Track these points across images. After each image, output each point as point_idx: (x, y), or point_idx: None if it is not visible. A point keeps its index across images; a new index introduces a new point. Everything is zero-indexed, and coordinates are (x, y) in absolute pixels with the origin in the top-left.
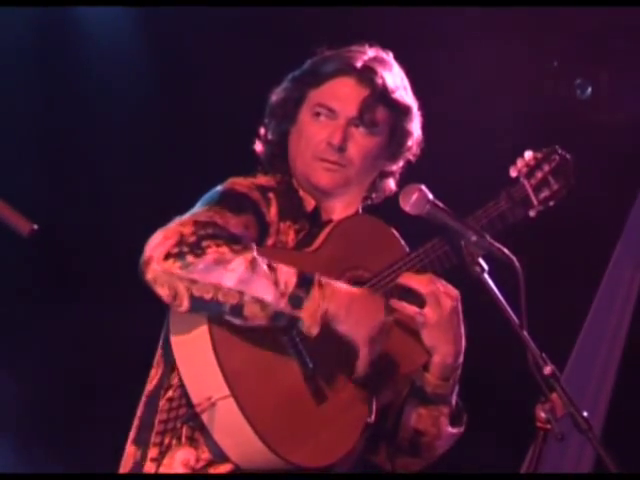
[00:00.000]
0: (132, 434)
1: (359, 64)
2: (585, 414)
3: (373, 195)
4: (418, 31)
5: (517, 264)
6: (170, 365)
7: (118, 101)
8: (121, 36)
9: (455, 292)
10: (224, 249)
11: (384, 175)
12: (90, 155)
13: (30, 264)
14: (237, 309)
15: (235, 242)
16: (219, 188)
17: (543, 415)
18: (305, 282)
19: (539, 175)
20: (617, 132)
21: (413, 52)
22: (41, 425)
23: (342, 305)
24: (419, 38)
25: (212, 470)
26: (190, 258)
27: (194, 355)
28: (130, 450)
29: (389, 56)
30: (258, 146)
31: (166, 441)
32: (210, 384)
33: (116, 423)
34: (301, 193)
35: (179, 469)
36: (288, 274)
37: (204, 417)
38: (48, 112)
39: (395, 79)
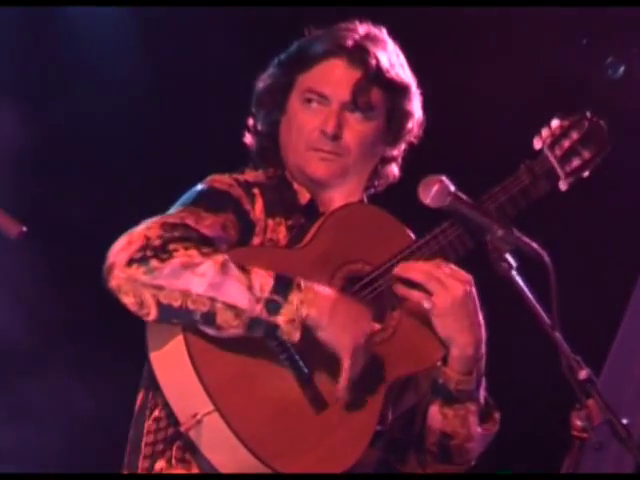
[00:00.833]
0: (125, 458)
1: (350, 44)
2: (624, 421)
3: (376, 183)
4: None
5: (547, 259)
6: (154, 382)
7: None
8: (112, 33)
9: (466, 275)
10: (192, 252)
11: (385, 161)
12: (84, 155)
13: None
14: (209, 317)
15: (206, 244)
16: (197, 186)
17: (579, 423)
18: (283, 285)
19: (566, 144)
20: None
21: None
22: None
23: (324, 310)
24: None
25: None
26: (155, 263)
27: (173, 369)
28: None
29: (382, 33)
30: (248, 139)
31: (157, 466)
32: (193, 400)
33: None
34: (295, 186)
35: None
36: (264, 277)
37: (192, 436)
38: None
39: (390, 57)
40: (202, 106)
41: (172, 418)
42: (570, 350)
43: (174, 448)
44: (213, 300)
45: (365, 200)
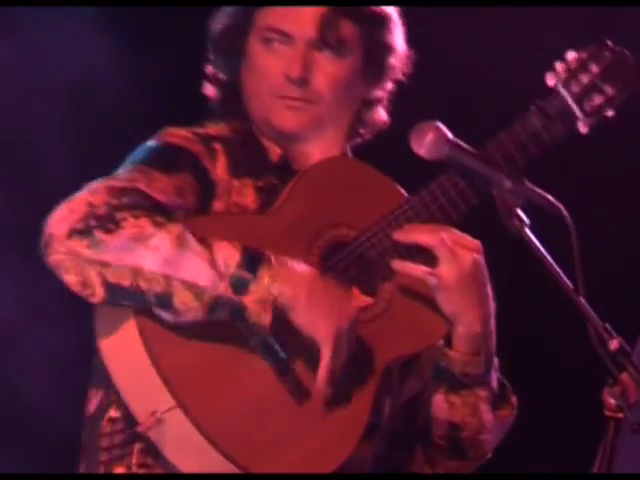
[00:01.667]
0: (80, 465)
1: None
2: None
3: (361, 131)
4: None
5: (566, 213)
6: (107, 376)
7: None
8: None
9: (475, 242)
10: (144, 222)
11: (369, 104)
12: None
13: None
14: (165, 299)
15: (160, 212)
16: (149, 142)
17: (613, 401)
18: (251, 259)
19: (585, 79)
20: None
21: None
22: None
23: (300, 290)
24: None
25: None
26: (100, 235)
27: (126, 360)
28: None
29: None
30: (208, 89)
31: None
32: (151, 395)
33: None
34: (264, 141)
35: None
36: (228, 250)
37: (152, 437)
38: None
39: None
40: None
41: (130, 418)
42: (598, 317)
43: (134, 452)
44: (168, 278)
45: (349, 152)
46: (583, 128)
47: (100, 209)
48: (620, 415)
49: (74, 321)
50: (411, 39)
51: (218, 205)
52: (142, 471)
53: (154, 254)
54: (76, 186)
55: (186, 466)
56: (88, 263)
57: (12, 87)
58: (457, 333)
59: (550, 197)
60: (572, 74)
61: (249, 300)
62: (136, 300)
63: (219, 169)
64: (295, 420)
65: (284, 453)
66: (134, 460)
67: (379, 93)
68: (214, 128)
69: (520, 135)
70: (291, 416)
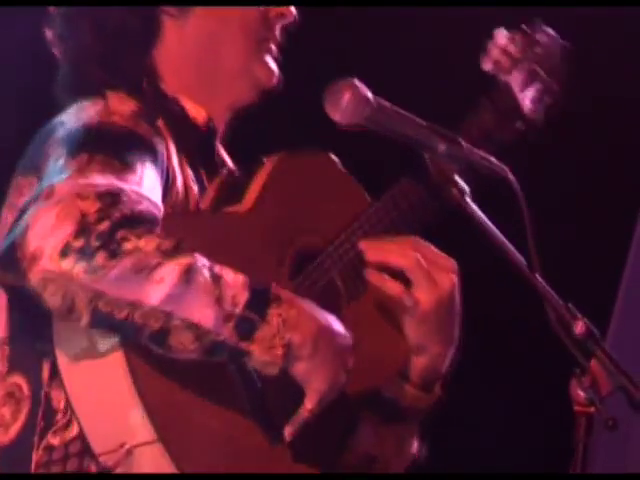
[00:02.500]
0: None
1: None
2: None
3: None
4: None
5: (512, 178)
6: (45, 393)
7: None
8: None
9: (450, 262)
10: (147, 246)
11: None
12: None
13: None
14: (160, 336)
15: (156, 226)
16: (81, 122)
17: (582, 394)
18: (259, 298)
19: (525, 67)
20: None
21: None
22: None
23: (308, 338)
24: None
25: None
26: (101, 259)
27: (99, 384)
28: None
29: None
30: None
31: None
32: (125, 425)
33: None
34: (184, 102)
35: None
36: (236, 285)
37: (116, 472)
38: None
39: None
40: None
41: (73, 447)
42: (558, 298)
43: None
44: (169, 315)
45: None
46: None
47: (98, 223)
48: (591, 409)
49: None
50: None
51: (173, 198)
52: None
53: (158, 288)
54: None
55: None
56: (80, 289)
57: None
58: (418, 365)
59: (493, 159)
60: (513, 61)
61: (254, 348)
62: (125, 332)
63: (170, 152)
64: (268, 461)
65: None
66: None
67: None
68: (130, 102)
69: (473, 134)
70: (264, 456)
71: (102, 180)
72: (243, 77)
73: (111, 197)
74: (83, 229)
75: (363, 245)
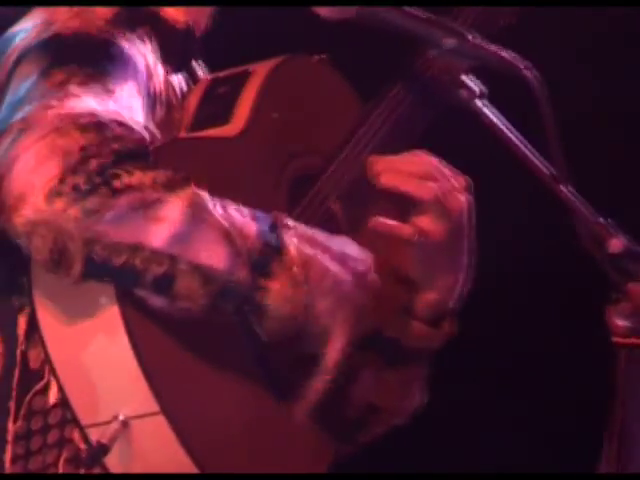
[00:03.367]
0: None
1: None
2: None
3: None
4: None
5: (531, 75)
6: (21, 352)
7: None
8: None
9: (464, 180)
10: (143, 180)
11: None
12: None
13: None
14: (164, 282)
15: (149, 157)
16: (52, 31)
17: (620, 323)
18: (269, 227)
19: None
20: None
21: None
22: None
23: (326, 269)
24: None
25: None
26: (95, 200)
27: (89, 347)
28: None
29: None
30: None
31: None
32: (121, 395)
33: None
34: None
35: None
36: (242, 214)
37: (111, 447)
38: None
39: None
40: None
41: (55, 416)
42: (591, 211)
43: (60, 463)
44: (175, 259)
45: None
46: None
47: (86, 162)
48: (633, 340)
49: None
50: None
51: (160, 114)
52: None
53: (160, 227)
54: None
55: None
56: (74, 232)
57: None
58: (424, 300)
59: (507, 54)
60: None
61: (274, 284)
62: (123, 279)
63: (153, 61)
64: (276, 430)
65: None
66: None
67: None
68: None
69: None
70: (272, 425)
71: (82, 107)
72: None
73: (95, 129)
74: (69, 168)
75: (376, 166)
